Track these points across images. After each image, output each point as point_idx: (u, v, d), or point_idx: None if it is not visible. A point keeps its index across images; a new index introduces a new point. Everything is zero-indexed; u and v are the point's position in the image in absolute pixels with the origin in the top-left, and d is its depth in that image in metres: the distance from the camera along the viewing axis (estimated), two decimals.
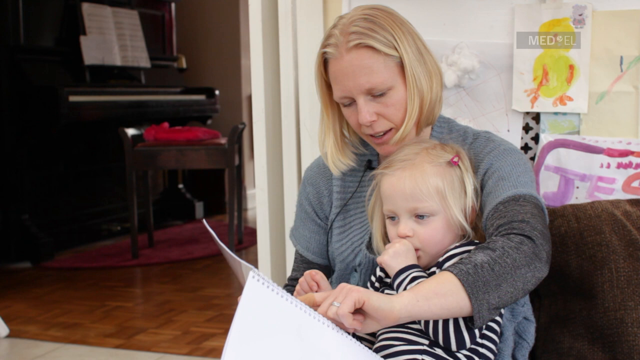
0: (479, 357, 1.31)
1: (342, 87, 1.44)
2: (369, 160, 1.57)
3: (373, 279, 1.45)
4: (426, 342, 1.30)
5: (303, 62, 2.01)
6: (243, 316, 1.10)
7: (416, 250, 1.36)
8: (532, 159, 1.83)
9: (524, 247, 1.26)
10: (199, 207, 5.85)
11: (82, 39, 4.75)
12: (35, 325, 3.27)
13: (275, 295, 1.15)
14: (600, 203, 1.65)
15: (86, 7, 4.83)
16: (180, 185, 5.84)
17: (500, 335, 1.38)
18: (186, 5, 6.05)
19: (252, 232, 4.76)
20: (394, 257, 1.33)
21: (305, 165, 1.99)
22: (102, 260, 4.47)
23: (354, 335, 1.40)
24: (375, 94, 1.42)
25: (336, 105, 1.53)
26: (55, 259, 4.50)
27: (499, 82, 1.84)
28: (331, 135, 1.54)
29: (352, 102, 1.45)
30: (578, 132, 1.79)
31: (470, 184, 1.40)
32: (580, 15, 1.75)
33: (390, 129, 1.46)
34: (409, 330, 1.32)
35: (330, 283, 1.52)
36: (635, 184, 1.73)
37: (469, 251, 1.33)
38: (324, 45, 1.46)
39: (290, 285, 1.65)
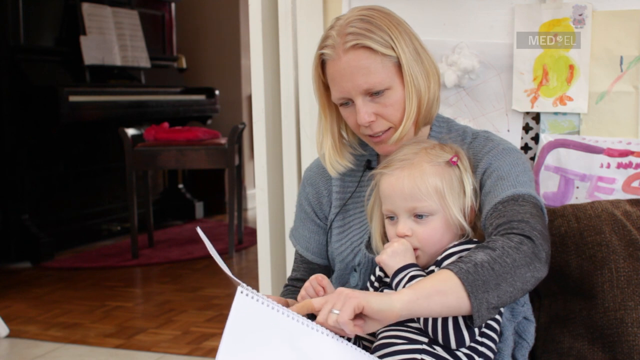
0: (479, 356, 1.31)
1: (340, 88, 1.44)
2: (368, 160, 1.57)
3: (372, 278, 1.45)
4: (426, 340, 1.30)
5: (303, 62, 2.01)
6: (233, 332, 1.10)
7: (415, 249, 1.36)
8: (532, 159, 1.83)
9: (523, 247, 1.26)
10: (199, 207, 5.85)
11: (82, 39, 4.75)
12: (35, 325, 3.27)
13: (265, 307, 1.16)
14: (600, 203, 1.65)
15: (86, 7, 4.83)
16: (180, 185, 5.84)
17: (500, 335, 1.39)
18: (186, 5, 6.05)
19: (252, 232, 4.76)
20: (392, 257, 1.33)
21: (305, 165, 1.99)
22: (102, 260, 4.47)
23: (355, 336, 1.41)
24: (374, 94, 1.42)
25: (334, 107, 1.53)
26: (55, 259, 4.50)
27: (499, 82, 1.84)
28: (329, 136, 1.54)
29: (351, 102, 1.45)
30: (578, 132, 1.79)
31: (469, 183, 1.40)
32: (580, 15, 1.75)
33: (389, 129, 1.46)
34: (409, 329, 1.32)
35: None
36: (635, 184, 1.73)
37: (468, 250, 1.33)
38: (322, 46, 1.46)
39: (290, 286, 1.65)
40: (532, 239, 1.27)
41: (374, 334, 1.41)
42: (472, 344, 1.30)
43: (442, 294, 1.20)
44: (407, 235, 1.36)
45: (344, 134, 1.57)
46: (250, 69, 2.13)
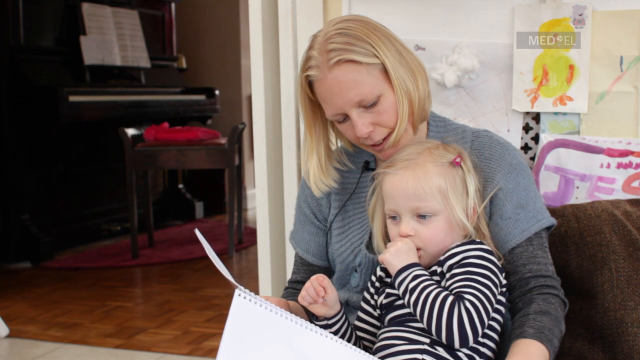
0: (480, 357, 1.31)
1: (332, 106, 1.44)
2: (366, 161, 1.57)
3: (373, 278, 1.45)
4: (427, 341, 1.30)
5: None
6: (231, 335, 1.10)
7: (417, 249, 1.36)
8: (532, 159, 1.83)
9: (563, 312, 1.43)
10: (199, 207, 5.85)
11: (82, 39, 4.75)
12: (35, 325, 3.27)
13: (263, 310, 1.16)
14: (600, 203, 1.65)
15: (86, 7, 4.83)
16: (180, 185, 5.84)
17: (501, 335, 1.39)
18: (186, 5, 6.05)
19: (252, 232, 4.76)
20: (395, 256, 1.33)
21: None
22: (102, 260, 4.47)
23: (356, 335, 1.41)
24: (367, 105, 1.42)
25: (320, 125, 1.53)
26: (55, 259, 4.50)
27: (499, 82, 1.84)
28: (314, 156, 1.54)
29: (346, 117, 1.45)
30: (578, 132, 1.79)
31: (472, 184, 1.40)
32: (580, 15, 1.75)
33: (389, 134, 1.46)
34: (410, 329, 1.32)
35: None
36: (635, 184, 1.73)
37: (469, 250, 1.33)
38: (305, 68, 1.46)
39: (291, 288, 1.65)
40: (566, 303, 1.44)
41: (374, 335, 1.41)
42: (474, 345, 1.30)
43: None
44: (409, 235, 1.36)
45: (337, 143, 1.58)
46: (250, 69, 2.13)
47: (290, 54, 2.04)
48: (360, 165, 1.58)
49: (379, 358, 1.30)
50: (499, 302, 1.35)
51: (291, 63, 2.04)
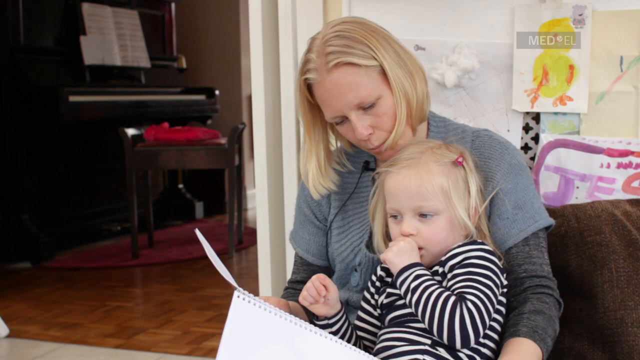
0: (481, 357, 1.31)
1: (332, 108, 1.44)
2: (366, 161, 1.57)
3: (374, 278, 1.45)
4: (428, 341, 1.30)
5: None
6: (231, 336, 1.10)
7: (419, 249, 1.36)
8: (532, 159, 1.83)
9: (557, 312, 1.44)
10: (199, 207, 5.85)
11: (82, 39, 4.75)
12: (35, 325, 3.27)
13: (262, 311, 1.16)
14: (600, 203, 1.65)
15: (86, 7, 4.83)
16: (180, 185, 5.84)
17: (502, 335, 1.39)
18: (186, 5, 6.05)
19: (252, 232, 4.76)
20: (398, 255, 1.33)
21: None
22: (102, 260, 4.47)
23: (356, 335, 1.41)
24: (366, 107, 1.42)
25: (319, 127, 1.53)
26: (55, 259, 4.50)
27: (499, 82, 1.84)
28: (313, 159, 1.54)
29: (345, 119, 1.45)
30: (578, 132, 1.79)
31: (474, 184, 1.41)
32: (580, 15, 1.75)
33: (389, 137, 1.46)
34: (411, 330, 1.32)
35: None
36: (635, 184, 1.73)
37: (471, 250, 1.33)
38: (304, 71, 1.46)
39: (291, 288, 1.65)
40: (561, 304, 1.45)
41: (375, 334, 1.41)
42: (475, 345, 1.30)
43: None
44: (411, 234, 1.36)
45: (336, 144, 1.58)
46: (250, 69, 2.13)
47: (290, 54, 2.04)
48: (360, 165, 1.58)
49: (379, 359, 1.30)
50: (499, 302, 1.35)
51: (291, 63, 2.04)
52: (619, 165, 1.74)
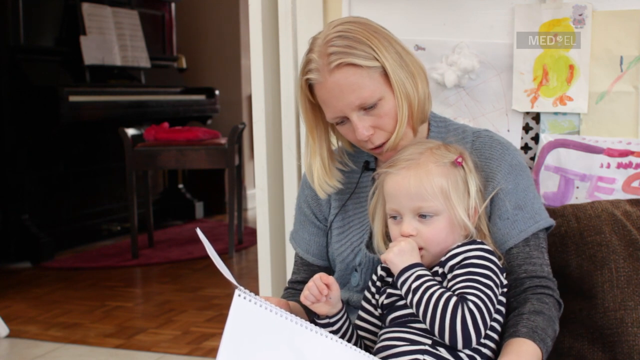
0: (481, 357, 1.31)
1: (333, 109, 1.44)
2: (366, 161, 1.57)
3: (374, 278, 1.45)
4: (429, 341, 1.30)
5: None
6: (231, 335, 1.10)
7: (419, 249, 1.36)
8: (532, 159, 1.83)
9: (557, 312, 1.44)
10: (199, 207, 5.85)
11: (82, 39, 4.75)
12: (35, 325, 3.27)
13: (263, 310, 1.16)
14: (600, 203, 1.65)
15: (86, 7, 4.83)
16: (180, 185, 5.84)
17: (502, 335, 1.39)
18: (186, 5, 6.05)
19: (252, 232, 4.76)
20: (399, 255, 1.33)
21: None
22: (102, 260, 4.47)
23: (357, 335, 1.41)
24: (367, 108, 1.42)
25: (322, 127, 1.53)
26: (55, 259, 4.50)
27: (499, 82, 1.84)
28: (317, 158, 1.54)
29: (346, 120, 1.45)
30: (578, 132, 1.79)
31: (473, 184, 1.40)
32: (580, 15, 1.75)
33: (389, 137, 1.46)
34: (412, 330, 1.32)
35: None
36: (635, 184, 1.74)
37: (470, 250, 1.34)
38: (305, 71, 1.46)
39: (291, 289, 1.65)
40: (561, 304, 1.45)
41: (375, 334, 1.41)
42: (476, 345, 1.30)
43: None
44: (411, 235, 1.36)
45: (337, 144, 1.58)
46: (250, 69, 2.13)
47: (290, 54, 2.04)
48: (360, 165, 1.58)
49: (380, 358, 1.30)
50: (499, 302, 1.35)
51: (291, 63, 2.04)
52: (619, 165, 1.74)
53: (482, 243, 1.36)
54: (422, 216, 1.37)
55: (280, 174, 2.11)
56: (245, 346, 1.12)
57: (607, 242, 1.57)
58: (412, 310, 1.31)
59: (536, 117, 1.83)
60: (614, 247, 1.57)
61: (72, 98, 4.45)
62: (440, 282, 1.33)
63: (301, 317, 1.26)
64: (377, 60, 1.41)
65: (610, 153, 1.75)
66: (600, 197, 1.75)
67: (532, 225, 1.45)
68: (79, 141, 4.82)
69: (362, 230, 1.55)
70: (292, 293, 1.62)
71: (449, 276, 1.33)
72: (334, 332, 1.35)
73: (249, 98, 5.95)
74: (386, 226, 1.45)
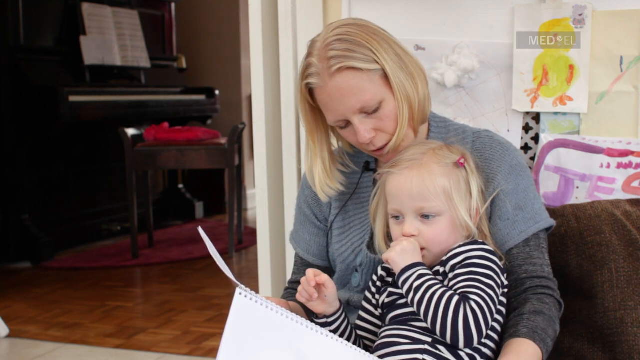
0: (481, 357, 1.31)
1: (334, 113, 1.44)
2: (366, 162, 1.57)
3: (375, 278, 1.45)
4: (429, 340, 1.30)
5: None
6: (232, 334, 1.10)
7: (421, 249, 1.36)
8: (532, 159, 1.83)
9: (558, 312, 1.44)
10: (199, 207, 5.85)
11: (82, 39, 4.75)
12: (35, 325, 3.27)
13: (263, 309, 1.16)
14: (600, 203, 1.65)
15: (86, 7, 4.83)
16: (180, 185, 5.84)
17: (502, 335, 1.39)
18: (186, 5, 6.05)
19: (252, 232, 4.76)
20: (401, 254, 1.33)
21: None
22: (102, 260, 4.47)
23: (356, 335, 1.41)
24: (369, 111, 1.42)
25: (322, 131, 1.53)
26: (55, 259, 4.50)
27: (499, 82, 1.84)
28: (319, 162, 1.53)
29: (347, 123, 1.45)
30: (578, 132, 1.79)
31: (475, 185, 1.41)
32: (580, 15, 1.75)
33: (390, 139, 1.46)
34: (412, 329, 1.32)
35: None
36: (635, 184, 1.74)
37: (472, 250, 1.34)
38: (305, 75, 1.45)
39: (291, 289, 1.65)
40: (562, 305, 1.45)
41: (376, 334, 1.41)
42: (476, 345, 1.30)
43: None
44: (413, 235, 1.36)
45: (337, 144, 1.58)
46: (250, 69, 2.13)
47: (290, 54, 2.04)
48: (361, 165, 1.58)
49: (379, 357, 1.30)
50: (500, 302, 1.35)
51: (291, 63, 2.04)
52: (619, 165, 1.74)
53: (483, 243, 1.37)
54: (424, 216, 1.37)
55: (280, 174, 2.11)
56: (246, 344, 1.12)
57: (607, 242, 1.58)
58: (413, 309, 1.31)
59: (536, 117, 1.83)
60: (614, 247, 1.57)
61: (72, 98, 4.45)
62: (442, 282, 1.33)
63: (301, 317, 1.26)
64: (377, 62, 1.40)
65: (610, 153, 1.75)
66: (600, 197, 1.75)
67: (532, 226, 1.45)
68: (79, 141, 4.82)
69: (363, 230, 1.55)
70: (292, 293, 1.62)
71: (450, 275, 1.33)
72: (332, 332, 1.35)
73: (249, 98, 5.95)
74: (388, 226, 1.45)
